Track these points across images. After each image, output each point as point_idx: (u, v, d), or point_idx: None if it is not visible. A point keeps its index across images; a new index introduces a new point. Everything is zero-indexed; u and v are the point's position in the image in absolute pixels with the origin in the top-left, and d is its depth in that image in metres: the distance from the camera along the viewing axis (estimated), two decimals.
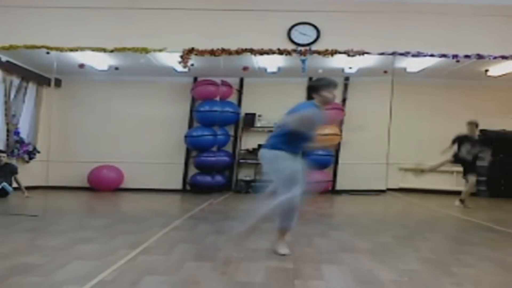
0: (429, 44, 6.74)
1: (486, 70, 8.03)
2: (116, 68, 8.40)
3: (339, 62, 7.64)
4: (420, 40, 6.77)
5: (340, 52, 6.75)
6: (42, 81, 8.90)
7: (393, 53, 6.77)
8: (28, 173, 8.13)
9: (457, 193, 8.94)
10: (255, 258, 2.93)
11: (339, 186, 9.22)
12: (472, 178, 6.88)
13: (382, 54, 6.82)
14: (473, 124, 6.99)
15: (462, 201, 6.97)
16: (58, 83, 9.19)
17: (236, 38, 6.84)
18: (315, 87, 3.37)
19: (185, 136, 9.00)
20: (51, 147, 8.62)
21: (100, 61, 8.07)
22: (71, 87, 9.34)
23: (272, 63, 7.93)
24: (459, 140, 7.06)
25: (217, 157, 8.55)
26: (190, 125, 9.34)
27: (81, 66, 8.05)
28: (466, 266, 2.83)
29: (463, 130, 7.38)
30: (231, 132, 9.30)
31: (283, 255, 3.07)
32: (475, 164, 6.97)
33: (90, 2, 7.01)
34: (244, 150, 9.33)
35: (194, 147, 9.02)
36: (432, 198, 8.05)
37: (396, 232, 4.24)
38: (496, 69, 7.89)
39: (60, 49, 6.85)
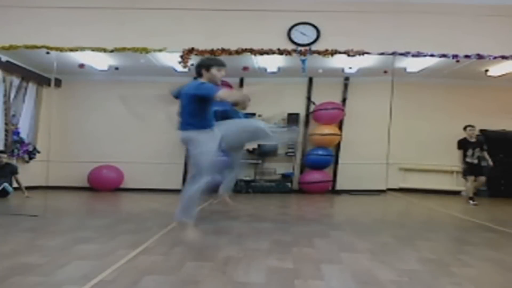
0: (429, 44, 6.73)
1: (486, 70, 8.03)
2: (116, 68, 8.40)
3: (339, 62, 7.64)
4: (420, 40, 6.76)
5: (340, 52, 6.74)
6: (42, 81, 8.90)
7: (393, 53, 6.76)
8: (28, 173, 8.13)
9: (458, 193, 8.99)
10: (255, 258, 2.93)
11: (339, 186, 9.22)
12: (482, 178, 7.56)
13: (382, 54, 6.80)
14: (469, 127, 7.61)
15: (472, 198, 7.46)
16: (58, 83, 9.18)
17: (236, 38, 6.83)
18: (206, 65, 3.57)
19: None
20: (51, 147, 8.61)
21: (100, 61, 8.06)
22: (71, 87, 9.33)
23: (272, 63, 7.93)
24: (463, 145, 7.62)
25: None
26: None
27: (81, 66, 8.05)
28: (466, 266, 2.83)
29: (462, 129, 7.45)
30: None
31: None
32: (481, 166, 7.56)
33: (90, 2, 7.00)
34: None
35: None
36: (432, 198, 8.05)
37: (396, 232, 4.23)
38: (496, 69, 7.89)
39: (60, 49, 6.84)
